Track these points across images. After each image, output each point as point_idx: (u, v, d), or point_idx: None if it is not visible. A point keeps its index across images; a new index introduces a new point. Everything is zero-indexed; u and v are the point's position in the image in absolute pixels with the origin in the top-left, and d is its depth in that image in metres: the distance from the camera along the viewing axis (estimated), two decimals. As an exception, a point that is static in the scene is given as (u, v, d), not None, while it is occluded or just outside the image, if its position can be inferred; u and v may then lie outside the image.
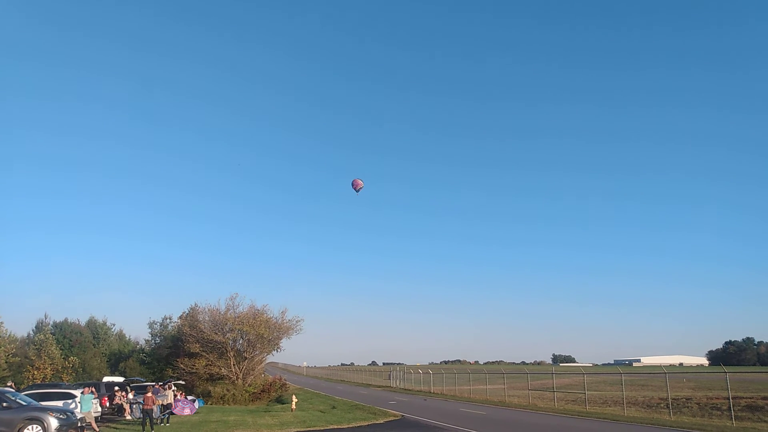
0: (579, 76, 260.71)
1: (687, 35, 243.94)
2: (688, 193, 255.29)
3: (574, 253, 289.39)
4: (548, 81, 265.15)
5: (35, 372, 49.52)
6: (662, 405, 36.27)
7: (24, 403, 22.73)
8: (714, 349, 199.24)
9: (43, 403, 24.91)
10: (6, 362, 51.04)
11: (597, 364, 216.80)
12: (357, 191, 53.27)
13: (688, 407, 36.68)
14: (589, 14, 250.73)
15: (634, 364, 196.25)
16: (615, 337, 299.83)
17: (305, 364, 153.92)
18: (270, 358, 56.03)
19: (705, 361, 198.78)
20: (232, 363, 45.24)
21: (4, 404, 22.08)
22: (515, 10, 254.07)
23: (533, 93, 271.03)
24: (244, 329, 44.26)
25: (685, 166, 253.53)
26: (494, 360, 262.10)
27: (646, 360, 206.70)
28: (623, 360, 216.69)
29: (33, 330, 58.98)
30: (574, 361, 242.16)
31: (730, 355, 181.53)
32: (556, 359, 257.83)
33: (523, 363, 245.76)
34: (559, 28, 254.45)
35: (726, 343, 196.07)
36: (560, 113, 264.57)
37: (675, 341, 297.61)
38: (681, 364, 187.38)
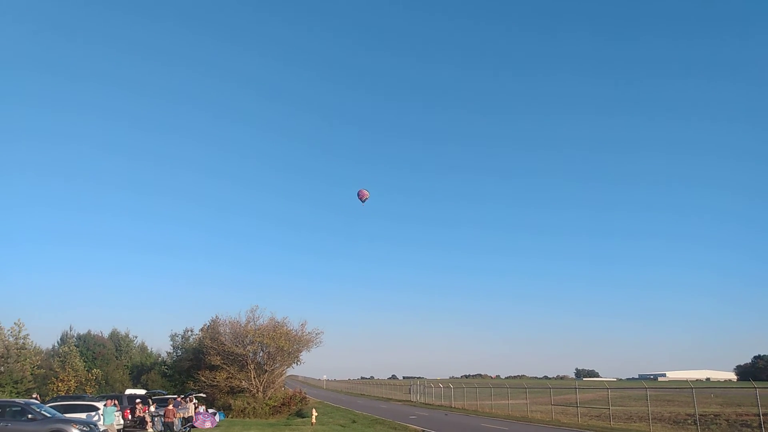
0: (586, 85, 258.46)
1: (704, 45, 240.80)
2: (717, 206, 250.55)
3: (598, 266, 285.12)
4: (559, 91, 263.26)
5: (59, 384, 50.18)
6: (689, 421, 35.39)
7: (48, 415, 23.01)
8: (742, 363, 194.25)
9: (67, 415, 25.21)
10: (32, 374, 51.83)
11: (621, 379, 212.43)
12: (363, 201, 53.28)
13: (716, 424, 35.76)
14: (605, 23, 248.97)
15: (659, 379, 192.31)
16: (639, 351, 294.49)
17: (325, 377, 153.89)
18: (290, 371, 56.17)
19: (733, 376, 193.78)
20: (252, 376, 45.32)
21: (30, 416, 22.40)
22: (525, 20, 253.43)
23: (548, 103, 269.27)
24: (265, 342, 44.37)
25: (715, 179, 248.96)
26: (516, 374, 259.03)
27: (672, 374, 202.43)
28: (648, 374, 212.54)
29: (58, 342, 59.85)
30: (598, 376, 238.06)
31: (760, 370, 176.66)
32: (579, 373, 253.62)
33: (546, 377, 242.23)
34: (568, 39, 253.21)
35: (755, 357, 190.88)
36: (593, 122, 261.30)
37: (701, 355, 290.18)
38: (708, 379, 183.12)
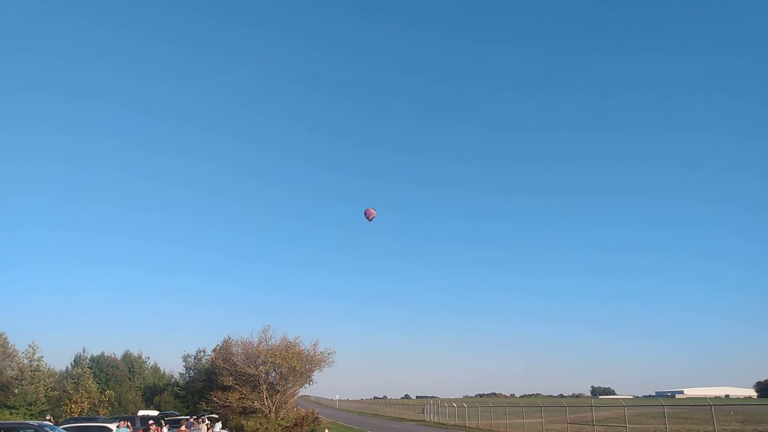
0: (593, 101, 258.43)
1: (701, 58, 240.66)
2: (737, 222, 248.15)
3: (614, 282, 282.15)
4: (570, 106, 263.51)
5: (73, 406, 50.39)
6: (709, 439, 34.73)
7: (62, 437, 23.08)
8: (762, 379, 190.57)
9: (80, 437, 25.26)
10: (45, 396, 52.11)
11: (638, 396, 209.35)
12: (370, 221, 53.52)
13: (737, 442, 35.04)
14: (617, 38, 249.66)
15: (677, 396, 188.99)
16: (656, 368, 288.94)
17: (338, 397, 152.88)
18: (302, 391, 55.84)
19: (753, 393, 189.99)
20: (264, 396, 45.17)
21: (43, 438, 22.48)
22: (524, 36, 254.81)
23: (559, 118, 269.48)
24: (277, 362, 44.27)
25: (738, 195, 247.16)
26: (531, 393, 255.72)
27: (690, 392, 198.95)
28: (665, 392, 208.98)
29: (71, 364, 60.17)
30: (614, 393, 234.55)
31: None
32: (595, 391, 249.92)
33: (561, 395, 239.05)
34: (564, 53, 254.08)
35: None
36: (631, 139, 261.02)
37: (720, 372, 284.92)
38: (727, 396, 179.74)
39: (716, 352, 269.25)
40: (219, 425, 36.16)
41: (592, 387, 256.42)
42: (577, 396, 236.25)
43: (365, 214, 53.49)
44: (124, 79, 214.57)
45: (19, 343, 58.26)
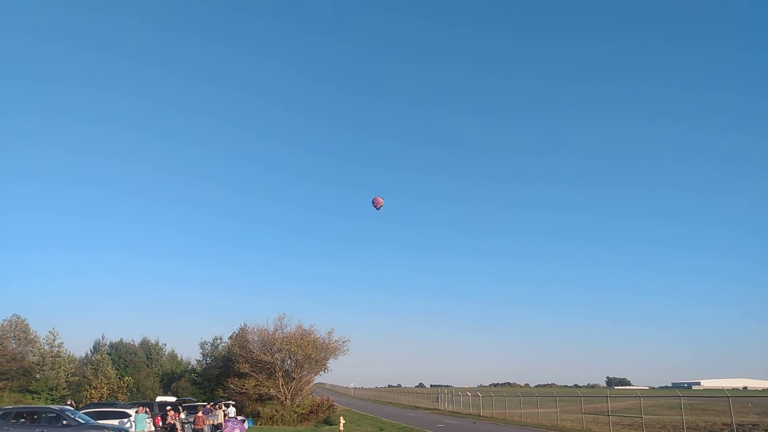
0: (602, 90, 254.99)
1: (706, 51, 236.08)
2: (750, 216, 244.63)
3: (630, 272, 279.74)
4: (579, 97, 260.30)
5: (93, 391, 51.25)
6: (726, 431, 34.42)
7: (82, 421, 23.51)
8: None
9: (100, 422, 25.69)
10: (66, 381, 53.08)
11: (654, 387, 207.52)
12: (378, 209, 53.65)
13: (754, 434, 34.69)
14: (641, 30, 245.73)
15: (694, 387, 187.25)
16: (672, 359, 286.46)
17: (352, 385, 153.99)
18: (317, 379, 56.27)
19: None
20: (280, 383, 45.60)
21: (64, 422, 22.93)
22: (529, 25, 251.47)
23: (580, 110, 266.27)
24: (292, 349, 44.65)
25: (754, 192, 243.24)
26: (546, 383, 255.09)
27: (707, 383, 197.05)
28: (681, 383, 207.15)
29: (91, 350, 61.18)
30: (630, 384, 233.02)
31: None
32: (611, 382, 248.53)
33: (576, 386, 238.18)
34: (570, 43, 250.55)
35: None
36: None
37: (738, 363, 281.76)
38: (745, 388, 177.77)
39: (734, 344, 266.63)
40: (233, 410, 36.58)
41: (607, 377, 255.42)
42: (592, 386, 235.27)
43: (373, 202, 53.67)
44: (126, 66, 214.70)
45: (40, 329, 59.39)
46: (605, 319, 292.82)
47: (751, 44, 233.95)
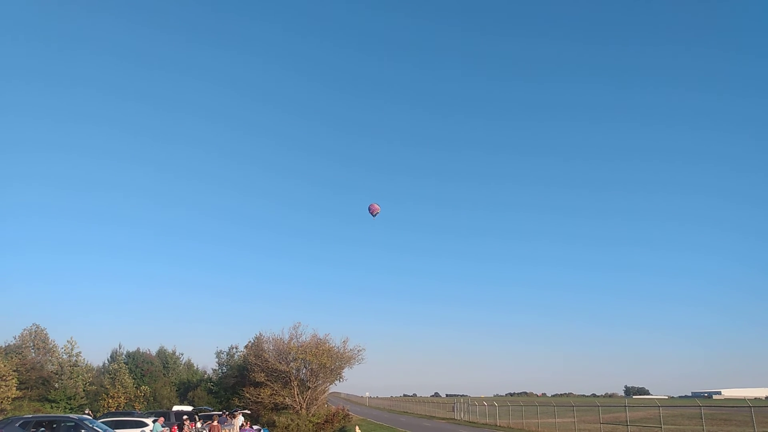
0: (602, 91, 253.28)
1: (700, 53, 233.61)
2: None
3: (650, 278, 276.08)
4: (580, 99, 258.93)
5: (110, 400, 51.64)
6: (749, 441, 33.75)
7: (100, 431, 23.66)
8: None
9: (117, 431, 25.87)
10: (84, 390, 53.57)
11: (673, 397, 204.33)
12: (374, 216, 53.17)
13: (778, 444, 33.94)
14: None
15: (714, 397, 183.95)
16: (692, 368, 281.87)
17: (368, 394, 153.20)
18: (333, 388, 56.23)
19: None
20: (295, 392, 45.60)
21: (83, 431, 23.09)
22: (528, 27, 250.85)
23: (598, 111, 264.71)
24: (307, 358, 44.66)
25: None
26: (563, 392, 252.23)
27: (728, 392, 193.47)
28: (702, 392, 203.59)
29: (108, 360, 61.66)
30: (649, 393, 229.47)
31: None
32: (629, 391, 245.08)
33: (594, 395, 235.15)
34: (566, 45, 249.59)
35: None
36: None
37: (759, 372, 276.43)
38: (767, 398, 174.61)
39: (756, 352, 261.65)
40: (241, 419, 36.06)
41: (625, 386, 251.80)
42: (611, 396, 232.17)
43: (369, 209, 53.31)
44: (124, 69, 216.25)
45: (59, 339, 60.02)
46: (623, 327, 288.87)
47: (747, 47, 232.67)
